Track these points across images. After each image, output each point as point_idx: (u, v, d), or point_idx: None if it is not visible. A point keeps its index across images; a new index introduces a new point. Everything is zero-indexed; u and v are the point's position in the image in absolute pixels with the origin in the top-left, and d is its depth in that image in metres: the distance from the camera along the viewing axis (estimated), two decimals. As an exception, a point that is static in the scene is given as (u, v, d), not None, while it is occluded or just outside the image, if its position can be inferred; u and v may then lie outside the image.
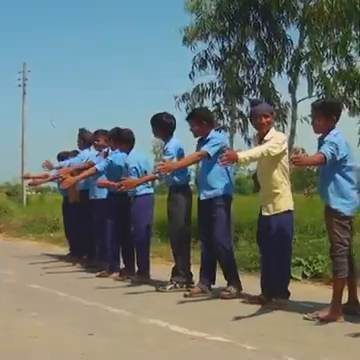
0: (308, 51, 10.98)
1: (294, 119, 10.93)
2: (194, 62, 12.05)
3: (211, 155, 6.63)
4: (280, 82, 11.61)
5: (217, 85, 11.89)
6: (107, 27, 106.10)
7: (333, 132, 5.51)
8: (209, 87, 11.88)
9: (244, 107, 11.90)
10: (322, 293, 6.70)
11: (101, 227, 8.65)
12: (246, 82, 11.81)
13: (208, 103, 11.85)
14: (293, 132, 10.91)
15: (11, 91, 69.81)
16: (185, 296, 6.73)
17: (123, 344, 4.83)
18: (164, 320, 5.54)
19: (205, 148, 6.70)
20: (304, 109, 10.51)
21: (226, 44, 11.81)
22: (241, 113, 11.81)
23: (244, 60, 11.70)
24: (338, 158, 5.38)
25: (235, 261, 7.04)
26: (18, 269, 9.14)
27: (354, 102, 10.96)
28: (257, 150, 6.02)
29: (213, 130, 7.11)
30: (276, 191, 6.12)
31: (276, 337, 4.99)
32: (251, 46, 11.73)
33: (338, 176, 5.47)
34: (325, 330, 5.19)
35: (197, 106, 11.59)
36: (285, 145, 6.18)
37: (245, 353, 4.55)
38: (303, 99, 10.90)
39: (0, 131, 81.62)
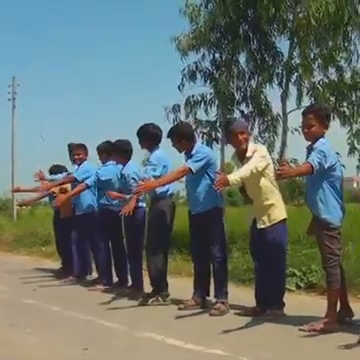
0: (298, 62, 10.99)
1: (285, 130, 10.92)
2: (184, 74, 12.01)
3: (194, 171, 6.58)
4: (271, 93, 11.63)
5: (208, 97, 11.84)
6: (101, 36, 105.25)
7: (322, 140, 5.49)
8: (200, 98, 11.84)
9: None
10: (316, 304, 6.70)
11: (91, 241, 8.66)
12: (237, 94, 11.78)
13: (201, 114, 11.83)
14: (284, 143, 10.90)
15: (0, 105, 69.67)
16: (179, 309, 6.70)
17: (119, 359, 4.80)
18: (159, 333, 5.52)
19: (188, 164, 6.65)
20: (294, 120, 10.52)
21: (217, 56, 11.78)
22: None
23: (235, 72, 11.67)
24: (326, 166, 5.33)
25: (227, 275, 6.94)
26: (10, 284, 9.06)
27: (344, 112, 10.97)
28: (246, 169, 6.00)
29: (198, 143, 7.13)
30: (269, 202, 6.14)
31: (272, 348, 4.97)
32: (242, 58, 11.72)
33: (326, 185, 5.45)
34: (321, 340, 5.18)
35: (188, 119, 11.58)
36: (268, 155, 6.30)
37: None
38: (293, 110, 10.91)
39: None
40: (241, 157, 6.26)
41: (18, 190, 10.79)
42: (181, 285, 7.74)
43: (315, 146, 5.43)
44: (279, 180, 6.26)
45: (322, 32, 10.09)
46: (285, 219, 6.29)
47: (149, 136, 7.35)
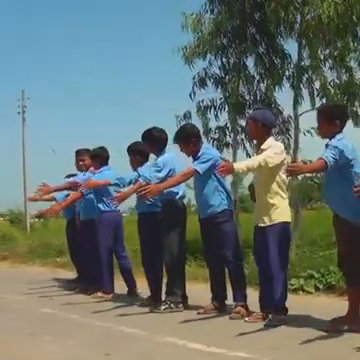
0: (308, 64, 10.94)
1: (297, 132, 10.85)
2: (194, 82, 12.00)
3: (200, 172, 6.53)
4: (281, 96, 11.58)
5: (218, 102, 11.81)
6: (109, 46, 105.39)
7: (338, 136, 5.43)
8: (210, 104, 11.82)
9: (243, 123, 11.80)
10: (336, 305, 6.62)
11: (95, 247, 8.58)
12: (247, 98, 11.74)
13: (212, 119, 11.79)
14: (297, 145, 10.83)
15: (11, 118, 69.79)
16: (198, 314, 6.63)
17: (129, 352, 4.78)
18: (181, 338, 5.48)
19: (194, 165, 6.62)
20: (306, 122, 10.45)
21: (225, 61, 11.75)
22: (243, 129, 11.70)
23: (244, 76, 11.64)
24: (341, 163, 5.25)
25: (245, 278, 6.91)
26: (27, 294, 9.06)
27: (356, 112, 10.89)
28: (254, 160, 5.97)
29: (204, 145, 7.07)
30: (272, 202, 6.00)
31: (294, 350, 4.92)
32: (250, 62, 11.69)
33: (345, 182, 5.31)
34: (341, 341, 5.11)
35: (200, 124, 11.54)
36: (283, 155, 6.13)
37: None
38: (306, 111, 10.84)
39: (1, 159, 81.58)
40: (258, 149, 6.22)
41: (35, 199, 10.62)
42: (198, 290, 7.71)
43: (330, 143, 5.38)
44: (291, 177, 6.19)
45: (331, 33, 10.01)
46: (287, 223, 6.17)
47: (153, 140, 7.32)
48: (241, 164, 5.91)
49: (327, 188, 5.60)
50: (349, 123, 10.28)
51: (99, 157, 8.65)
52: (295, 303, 6.38)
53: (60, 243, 15.02)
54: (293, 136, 11.04)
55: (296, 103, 10.76)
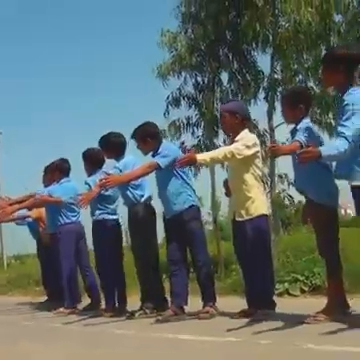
0: (281, 77, 11.10)
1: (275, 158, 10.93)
2: (168, 101, 12.08)
3: (162, 166, 6.32)
4: (256, 109, 11.67)
5: (194, 119, 11.89)
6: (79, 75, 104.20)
7: (304, 121, 5.39)
8: (186, 121, 11.88)
9: (220, 140, 11.83)
10: (323, 305, 6.54)
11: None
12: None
13: (187, 137, 11.83)
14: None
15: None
16: (157, 321, 6.26)
17: (133, 353, 4.65)
18: (170, 332, 5.39)
19: (155, 159, 6.44)
20: (282, 134, 10.53)
21: (200, 79, 11.88)
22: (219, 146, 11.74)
23: (218, 93, 11.75)
24: (311, 144, 4.96)
25: (213, 277, 6.77)
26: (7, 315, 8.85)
27: (331, 123, 11.02)
28: (220, 151, 5.89)
29: (165, 142, 6.94)
30: (249, 195, 5.85)
31: (285, 334, 4.86)
32: (225, 77, 11.83)
33: (315, 166, 5.11)
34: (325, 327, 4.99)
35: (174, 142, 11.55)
36: (256, 148, 5.92)
37: (261, 346, 4.45)
38: (281, 124, 10.93)
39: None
40: (231, 142, 6.03)
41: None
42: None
43: (299, 127, 5.33)
44: (273, 157, 6.08)
45: (306, 43, 10.19)
46: (266, 215, 6.03)
47: (112, 145, 7.19)
48: (205, 155, 5.81)
49: (300, 174, 5.47)
50: (325, 135, 10.48)
51: (59, 169, 8.57)
52: (281, 304, 6.26)
53: (39, 273, 14.78)
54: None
55: (271, 116, 10.87)
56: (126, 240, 10.42)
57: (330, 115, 11.11)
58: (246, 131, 6.04)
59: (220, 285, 8.34)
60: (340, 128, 4.67)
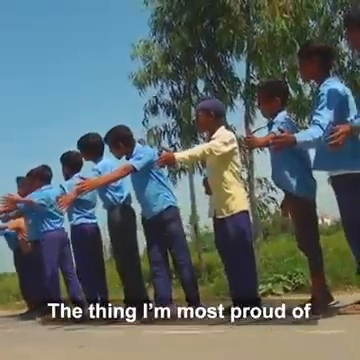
0: (257, 83, 11.21)
1: (250, 150, 11.00)
2: (146, 109, 12.15)
3: (137, 168, 6.20)
4: (233, 116, 11.78)
5: (171, 127, 11.97)
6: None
7: (281, 114, 5.34)
8: (163, 129, 11.97)
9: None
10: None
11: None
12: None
13: (165, 145, 11.90)
14: (251, 162, 10.99)
15: None
16: (142, 322, 5.93)
17: (121, 348, 4.62)
18: (158, 329, 5.30)
19: (130, 161, 6.33)
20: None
21: (176, 87, 11.98)
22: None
23: (197, 99, 11.81)
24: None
25: (196, 277, 6.69)
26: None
27: (307, 128, 11.12)
28: (197, 149, 5.82)
29: (138, 145, 6.75)
30: (228, 192, 5.75)
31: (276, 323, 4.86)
32: (201, 85, 11.95)
33: (294, 158, 5.14)
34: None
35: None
36: (233, 145, 5.76)
37: (252, 334, 4.52)
38: (259, 129, 11.03)
39: None
40: (209, 140, 5.94)
41: None
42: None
43: (276, 120, 5.28)
44: (249, 149, 6.00)
45: (281, 49, 10.33)
46: (246, 211, 5.92)
47: (90, 146, 7.06)
48: (183, 153, 5.75)
49: (277, 168, 5.40)
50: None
51: (39, 176, 8.53)
52: (265, 303, 6.24)
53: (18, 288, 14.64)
54: (247, 154, 11.18)
55: (248, 121, 10.98)
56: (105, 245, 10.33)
57: (306, 120, 11.21)
58: (222, 128, 5.93)
59: (203, 289, 8.29)
60: (315, 116, 4.74)
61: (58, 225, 8.06)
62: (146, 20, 11.96)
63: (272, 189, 11.51)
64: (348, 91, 4.99)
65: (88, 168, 7.28)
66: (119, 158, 6.63)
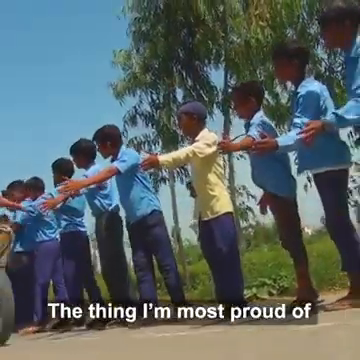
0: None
1: (231, 158, 11.09)
2: (125, 120, 12.16)
3: (121, 171, 6.19)
4: (213, 124, 11.81)
5: (152, 137, 11.99)
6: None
7: (258, 115, 5.34)
8: (144, 139, 11.97)
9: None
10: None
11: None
12: (179, 131, 11.92)
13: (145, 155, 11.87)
14: (231, 169, 11.05)
15: None
16: (129, 328, 6.02)
17: (121, 349, 4.64)
18: (155, 332, 5.29)
19: (114, 164, 6.32)
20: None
21: (155, 97, 12.02)
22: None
23: (174, 109, 11.86)
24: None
25: (181, 281, 6.71)
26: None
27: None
28: (181, 151, 5.82)
29: (124, 147, 6.78)
30: (213, 194, 5.75)
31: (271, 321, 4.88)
32: (179, 94, 12.00)
33: (273, 159, 5.11)
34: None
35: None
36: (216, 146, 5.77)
37: (245, 332, 4.50)
38: (238, 137, 11.08)
39: None
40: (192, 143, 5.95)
41: None
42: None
43: (252, 121, 5.26)
44: (224, 154, 5.98)
45: (258, 57, 10.41)
46: (230, 213, 5.91)
47: (84, 151, 7.05)
48: (166, 156, 5.71)
49: (259, 170, 5.40)
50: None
51: (33, 188, 8.49)
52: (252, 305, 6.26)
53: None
54: (227, 161, 11.24)
55: (227, 129, 11.05)
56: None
57: (285, 126, 11.30)
58: (205, 130, 5.93)
59: (187, 296, 8.27)
60: (295, 119, 4.74)
61: (53, 235, 8.00)
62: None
63: (252, 197, 11.58)
64: (325, 89, 5.01)
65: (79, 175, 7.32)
66: (105, 158, 6.62)
